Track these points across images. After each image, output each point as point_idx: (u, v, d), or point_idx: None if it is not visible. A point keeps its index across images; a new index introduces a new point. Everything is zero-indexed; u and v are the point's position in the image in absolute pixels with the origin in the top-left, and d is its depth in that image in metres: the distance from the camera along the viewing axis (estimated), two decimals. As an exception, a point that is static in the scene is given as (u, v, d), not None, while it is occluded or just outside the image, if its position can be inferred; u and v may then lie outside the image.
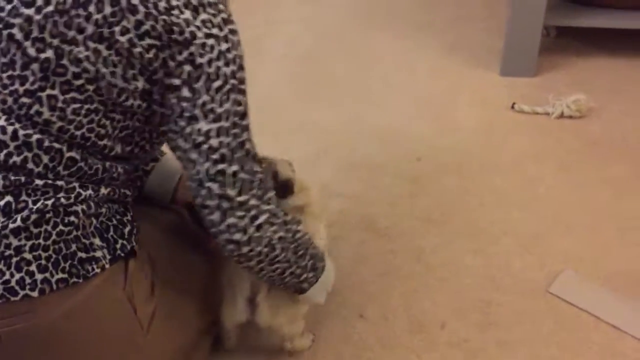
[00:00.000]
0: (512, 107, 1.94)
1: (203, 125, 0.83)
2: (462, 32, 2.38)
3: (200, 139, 0.84)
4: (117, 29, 0.78)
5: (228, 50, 0.84)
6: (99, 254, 0.86)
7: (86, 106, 0.81)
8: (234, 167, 0.86)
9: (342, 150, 1.84)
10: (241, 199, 0.87)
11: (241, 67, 0.87)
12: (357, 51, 2.32)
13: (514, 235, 1.51)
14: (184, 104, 0.83)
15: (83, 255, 0.84)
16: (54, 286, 0.81)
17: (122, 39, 0.79)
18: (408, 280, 1.41)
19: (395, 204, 1.63)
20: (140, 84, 0.82)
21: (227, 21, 0.86)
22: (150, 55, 0.80)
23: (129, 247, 0.91)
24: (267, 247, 0.92)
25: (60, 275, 0.82)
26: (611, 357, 1.21)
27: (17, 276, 0.79)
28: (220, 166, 0.85)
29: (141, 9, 0.79)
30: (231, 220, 0.87)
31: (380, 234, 1.55)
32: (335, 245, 1.52)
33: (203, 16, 0.82)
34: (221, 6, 0.87)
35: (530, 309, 1.32)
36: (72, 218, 0.84)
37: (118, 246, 0.89)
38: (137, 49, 0.80)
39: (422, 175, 1.73)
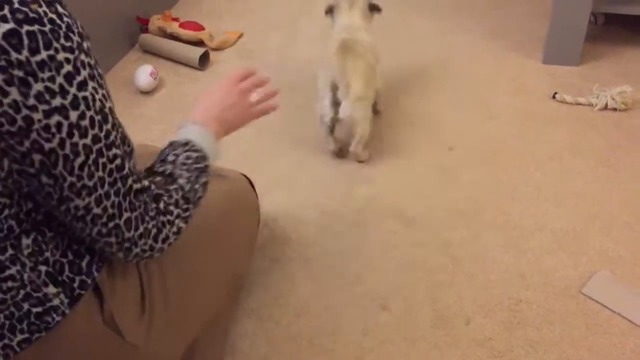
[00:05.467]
0: (554, 96, 1.86)
1: (79, 203, 0.73)
2: (504, 16, 2.29)
3: (81, 212, 0.74)
4: None
5: (82, 115, 0.69)
6: (56, 301, 0.79)
7: None
8: (126, 216, 0.77)
9: (372, 135, 1.79)
10: (140, 231, 0.79)
11: (105, 115, 0.72)
12: (394, 33, 2.25)
13: (548, 231, 1.45)
14: (49, 189, 0.71)
15: (39, 309, 0.78)
16: (17, 349, 0.77)
17: None
18: (434, 273, 1.37)
19: (424, 194, 1.59)
20: None
21: (76, 70, 0.67)
22: None
23: (89, 281, 0.81)
24: (177, 234, 0.85)
25: (21, 337, 0.77)
26: (644, 364, 1.15)
27: None
28: (111, 224, 0.76)
29: None
30: (136, 250, 0.80)
31: (408, 223, 1.50)
32: (362, 232, 1.49)
33: (38, 87, 0.65)
34: (62, 46, 0.66)
35: (561, 310, 1.27)
36: (10, 283, 0.76)
37: (76, 285, 0.80)
38: None
39: (453, 165, 1.67)
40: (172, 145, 0.94)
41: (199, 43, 2.20)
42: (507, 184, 1.60)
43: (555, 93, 1.86)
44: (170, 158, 0.91)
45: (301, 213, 1.56)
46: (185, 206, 0.87)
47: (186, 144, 0.94)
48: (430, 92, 1.95)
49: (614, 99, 1.79)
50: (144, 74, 1.97)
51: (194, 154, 0.93)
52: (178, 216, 0.85)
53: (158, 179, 0.87)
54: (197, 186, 0.90)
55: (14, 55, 0.63)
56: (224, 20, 2.40)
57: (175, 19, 2.23)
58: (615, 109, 1.80)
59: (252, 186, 1.28)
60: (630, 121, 1.77)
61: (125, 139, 0.78)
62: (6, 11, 0.63)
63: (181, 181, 0.88)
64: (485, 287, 1.33)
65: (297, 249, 1.46)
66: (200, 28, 2.21)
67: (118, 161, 0.75)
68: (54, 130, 0.67)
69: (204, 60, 2.12)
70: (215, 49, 2.21)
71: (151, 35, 2.21)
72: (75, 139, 0.69)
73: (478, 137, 1.76)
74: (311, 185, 1.64)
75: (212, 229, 1.06)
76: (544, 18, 2.19)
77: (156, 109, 1.96)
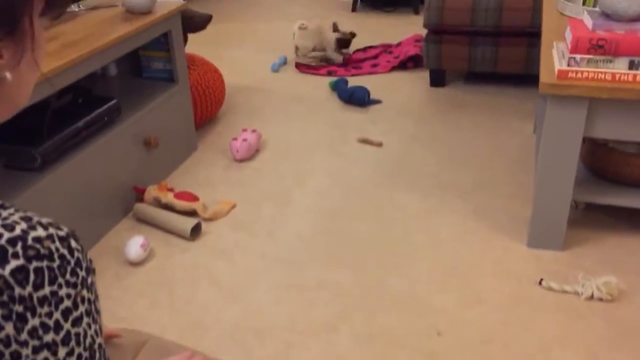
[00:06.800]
0: (540, 283, 1.88)
1: None
2: (486, 196, 2.38)
3: None
4: None
5: (70, 352, 0.67)
6: None
7: None
8: None
9: (361, 317, 1.78)
10: None
11: (93, 352, 0.70)
12: (382, 209, 2.32)
13: None
14: None
15: None
16: None
17: None
18: None
19: (413, 385, 1.54)
20: None
21: (74, 305, 0.66)
22: None
23: None
24: None
25: None
26: None
27: None
28: None
29: None
30: None
31: (395, 419, 1.44)
32: None
33: (33, 322, 0.63)
34: (67, 282, 0.65)
35: None
36: None
37: None
38: None
39: (442, 352, 1.64)
40: None
41: (193, 213, 2.25)
42: (497, 378, 1.56)
43: (542, 279, 1.88)
44: None
45: (284, 403, 1.49)
46: None
47: None
48: (417, 273, 1.97)
49: (599, 289, 1.80)
50: (135, 245, 1.99)
51: None
52: None
53: None
54: None
55: (17, 290, 0.62)
56: (219, 189, 2.47)
57: (171, 190, 2.30)
58: (601, 299, 1.81)
59: None
60: (617, 313, 1.77)
61: None
62: (18, 248, 0.63)
63: None
64: None
65: None
66: (195, 199, 2.28)
67: None
68: None
69: (196, 231, 2.16)
70: (208, 219, 2.25)
71: (145, 205, 2.26)
72: None
73: (466, 322, 1.75)
74: (296, 371, 1.59)
75: None
76: (527, 199, 2.27)
77: (144, 281, 1.96)
